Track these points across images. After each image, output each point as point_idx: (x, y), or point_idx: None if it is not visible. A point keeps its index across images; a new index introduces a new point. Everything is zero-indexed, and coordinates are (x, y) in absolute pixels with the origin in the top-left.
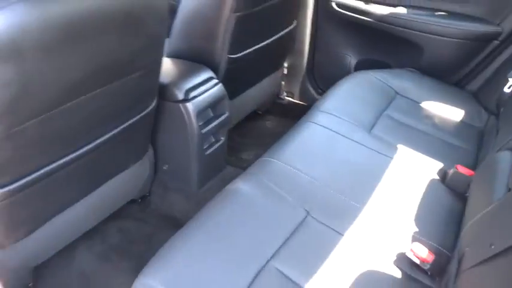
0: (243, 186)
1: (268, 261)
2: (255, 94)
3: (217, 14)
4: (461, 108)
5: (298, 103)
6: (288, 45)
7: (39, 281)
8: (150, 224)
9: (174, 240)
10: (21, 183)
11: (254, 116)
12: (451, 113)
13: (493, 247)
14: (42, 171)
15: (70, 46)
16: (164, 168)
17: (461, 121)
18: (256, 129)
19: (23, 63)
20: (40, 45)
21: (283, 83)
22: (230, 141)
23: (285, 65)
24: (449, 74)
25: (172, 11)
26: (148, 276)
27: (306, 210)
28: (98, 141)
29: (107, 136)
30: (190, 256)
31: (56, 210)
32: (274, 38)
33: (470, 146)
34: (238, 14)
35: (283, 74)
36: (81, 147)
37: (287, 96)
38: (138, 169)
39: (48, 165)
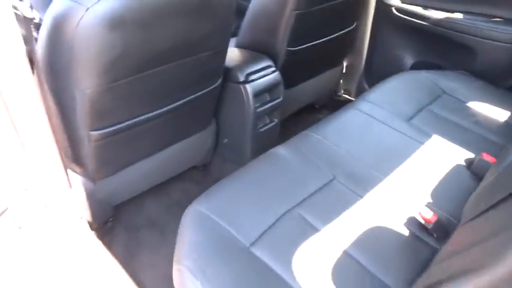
0: (281, 151)
1: (293, 207)
2: (311, 87)
3: (279, 11)
4: (509, 110)
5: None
6: (347, 45)
7: (116, 219)
8: (208, 187)
9: (221, 183)
10: (114, 129)
11: (311, 109)
12: (496, 113)
13: (480, 207)
14: (129, 122)
15: (156, 24)
16: (224, 141)
17: (506, 121)
18: (311, 120)
19: (125, 32)
20: (136, 21)
21: (341, 81)
22: (285, 128)
23: (344, 63)
24: (503, 78)
25: (242, 10)
26: (198, 205)
27: (333, 174)
28: (172, 106)
29: (179, 103)
30: (231, 195)
31: (135, 158)
32: (332, 36)
33: (509, 143)
34: (297, 12)
35: (342, 72)
36: (158, 108)
37: (344, 93)
38: (202, 138)
39: (133, 118)
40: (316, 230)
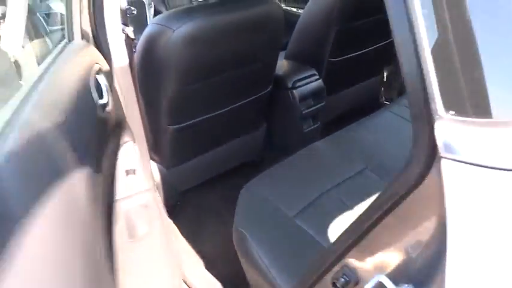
0: (319, 144)
1: (329, 189)
2: (353, 94)
3: (322, 28)
4: None
5: None
6: (385, 56)
7: (182, 203)
8: None
9: (270, 169)
10: (185, 125)
11: (355, 113)
12: None
13: None
14: (196, 120)
15: (219, 41)
16: (274, 140)
17: None
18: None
19: (195, 47)
20: (205, 40)
21: (382, 88)
22: (329, 131)
23: (385, 73)
24: None
25: (292, 28)
26: (251, 185)
27: (365, 164)
28: (228, 108)
29: (234, 105)
30: (278, 177)
31: (199, 151)
32: (370, 48)
33: None
34: (337, 27)
35: (383, 80)
36: (218, 109)
37: (385, 101)
38: (254, 138)
39: (199, 117)
40: (348, 208)
